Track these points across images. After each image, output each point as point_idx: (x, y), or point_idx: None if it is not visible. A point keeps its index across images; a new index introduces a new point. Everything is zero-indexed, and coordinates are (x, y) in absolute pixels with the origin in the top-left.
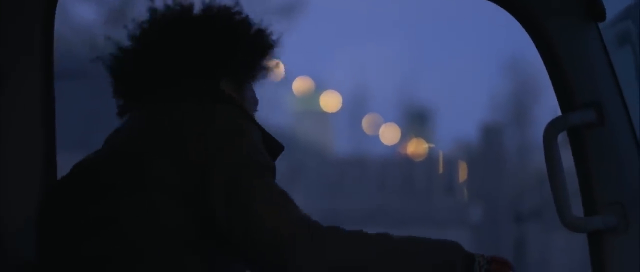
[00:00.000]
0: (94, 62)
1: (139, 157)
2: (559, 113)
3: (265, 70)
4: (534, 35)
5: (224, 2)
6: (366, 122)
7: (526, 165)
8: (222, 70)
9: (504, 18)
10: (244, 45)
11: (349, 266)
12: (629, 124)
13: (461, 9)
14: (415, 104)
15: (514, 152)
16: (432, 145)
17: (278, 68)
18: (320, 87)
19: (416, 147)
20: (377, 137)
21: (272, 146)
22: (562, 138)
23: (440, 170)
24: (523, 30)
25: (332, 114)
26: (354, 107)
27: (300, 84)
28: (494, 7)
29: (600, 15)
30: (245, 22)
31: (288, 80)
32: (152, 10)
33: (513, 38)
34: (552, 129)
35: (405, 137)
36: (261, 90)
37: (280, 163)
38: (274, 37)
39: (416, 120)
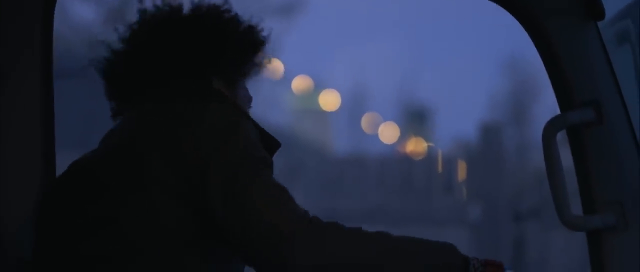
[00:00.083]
0: (91, 64)
1: (136, 157)
2: (558, 112)
3: (257, 67)
4: (533, 35)
5: (213, 1)
6: (365, 121)
7: (525, 164)
8: (214, 68)
9: (503, 17)
10: (234, 42)
11: (349, 262)
12: (628, 122)
13: (460, 8)
14: (414, 103)
15: (513, 151)
16: (431, 144)
17: (271, 64)
18: (319, 86)
19: (415, 146)
20: (376, 136)
21: (269, 142)
22: (561, 137)
23: (440, 169)
24: (522, 29)
25: (331, 112)
26: (353, 106)
27: (300, 83)
28: (493, 6)
29: (600, 14)
30: (235, 19)
31: (287, 79)
32: (142, 12)
33: (512, 37)
34: (551, 127)
35: (404, 136)
36: (260, 89)
37: (279, 162)
38: (264, 34)
39: (415, 119)
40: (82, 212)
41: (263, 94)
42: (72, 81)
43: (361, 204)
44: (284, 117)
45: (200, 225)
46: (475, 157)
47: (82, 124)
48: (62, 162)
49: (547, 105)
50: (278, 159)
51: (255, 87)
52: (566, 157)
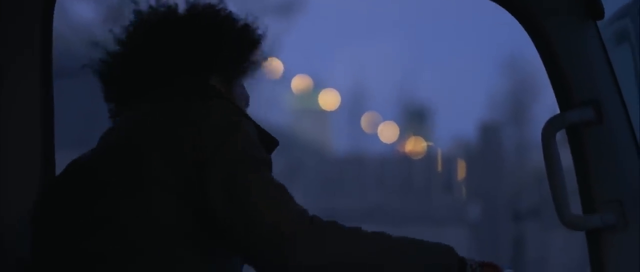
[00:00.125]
0: (88, 66)
1: (135, 156)
2: (558, 111)
3: (254, 65)
4: (533, 34)
5: (208, 1)
6: (365, 121)
7: (525, 163)
8: (211, 67)
9: (503, 17)
10: (230, 41)
11: (349, 262)
12: (628, 121)
13: (460, 8)
14: (413, 102)
15: (513, 151)
16: (430, 143)
17: (268, 63)
18: (318, 86)
19: (415, 146)
20: (375, 136)
21: (267, 141)
22: (560, 136)
23: (439, 168)
24: (522, 28)
25: (331, 112)
26: (353, 106)
27: (299, 83)
28: (493, 5)
29: (599, 13)
30: (230, 18)
31: (287, 78)
32: (137, 13)
33: (512, 37)
34: (551, 127)
35: (403, 136)
36: (260, 88)
37: (279, 161)
38: (260, 32)
39: (415, 119)
40: (81, 211)
41: (263, 94)
42: (71, 80)
43: (361, 203)
44: (284, 117)
45: (200, 224)
46: (474, 157)
47: (81, 123)
48: (62, 162)
49: (546, 104)
50: (278, 158)
51: (254, 87)
52: (565, 156)
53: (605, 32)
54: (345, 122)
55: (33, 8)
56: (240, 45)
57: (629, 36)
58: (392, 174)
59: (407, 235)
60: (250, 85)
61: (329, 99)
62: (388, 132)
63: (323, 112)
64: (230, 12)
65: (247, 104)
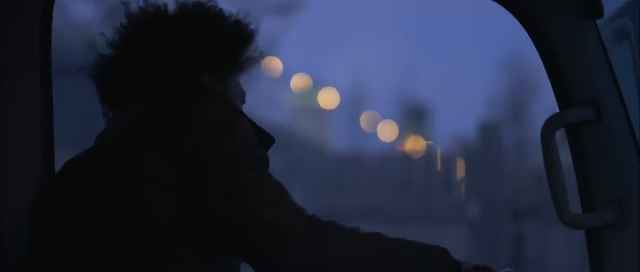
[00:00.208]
0: (84, 69)
1: (129, 156)
2: (557, 110)
3: (249, 61)
4: (532, 33)
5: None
6: (364, 119)
7: (524, 162)
8: (202, 65)
9: (503, 16)
10: (221, 37)
11: (348, 261)
12: (627, 120)
13: (459, 7)
14: (413, 101)
15: (512, 150)
16: (430, 142)
17: (263, 58)
18: (318, 84)
19: (414, 144)
20: (375, 134)
21: (264, 138)
22: (560, 135)
23: (438, 167)
24: (521, 27)
25: (330, 111)
26: (352, 104)
27: (298, 81)
28: (493, 4)
29: (598, 12)
30: (221, 14)
31: (286, 77)
32: (128, 14)
33: (511, 35)
34: (550, 126)
35: (403, 134)
36: (259, 87)
37: (278, 160)
38: (252, 27)
39: (414, 118)
40: (80, 211)
41: (262, 92)
42: (71, 80)
43: (360, 202)
44: (283, 116)
45: (200, 224)
46: (474, 156)
47: (81, 122)
48: (61, 161)
49: (546, 103)
50: (277, 157)
51: (254, 86)
52: (565, 155)
53: (605, 30)
54: (345, 121)
55: (33, 7)
56: (232, 42)
57: (628, 35)
58: (392, 173)
59: (407, 234)
60: (250, 83)
61: (328, 98)
62: (387, 131)
63: (322, 111)
64: (221, 9)
65: (243, 101)
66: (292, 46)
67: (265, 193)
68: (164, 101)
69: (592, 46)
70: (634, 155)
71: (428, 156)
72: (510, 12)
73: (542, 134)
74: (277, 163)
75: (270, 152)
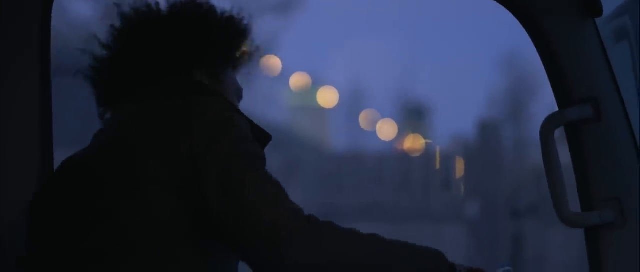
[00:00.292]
0: (80, 72)
1: (126, 155)
2: (556, 109)
3: (244, 57)
4: (532, 32)
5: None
6: (363, 118)
7: (523, 161)
8: (196, 63)
9: (502, 15)
10: (215, 34)
11: (345, 262)
12: (626, 119)
13: (459, 6)
14: (412, 100)
15: (511, 148)
16: (429, 141)
17: (263, 55)
18: (317, 83)
19: (413, 143)
20: (374, 133)
21: (260, 136)
22: (559, 134)
23: (437, 166)
24: (520, 26)
25: (329, 109)
26: (351, 103)
27: (297, 80)
28: (492, 4)
29: (598, 11)
30: (213, 11)
31: (285, 76)
32: (121, 15)
33: (510, 34)
34: (549, 124)
35: (402, 133)
36: (258, 86)
37: (277, 158)
38: (246, 23)
39: (413, 116)
40: (79, 209)
41: (261, 91)
42: (70, 79)
43: (359, 200)
44: (282, 114)
45: (196, 221)
46: (473, 154)
47: (80, 121)
48: (61, 160)
49: (545, 102)
50: (276, 155)
51: (253, 84)
52: (564, 154)
53: (604, 29)
54: (344, 120)
55: (32, 6)
56: (226, 38)
57: (627, 34)
58: (391, 171)
59: (406, 232)
60: (249, 82)
61: (327, 97)
62: (386, 129)
63: (321, 110)
64: (213, 5)
65: (240, 98)
66: (291, 45)
67: (263, 192)
68: (160, 100)
69: (592, 45)
70: (633, 154)
71: (427, 154)
72: (510, 12)
73: (541, 133)
74: (276, 161)
75: (269, 151)
